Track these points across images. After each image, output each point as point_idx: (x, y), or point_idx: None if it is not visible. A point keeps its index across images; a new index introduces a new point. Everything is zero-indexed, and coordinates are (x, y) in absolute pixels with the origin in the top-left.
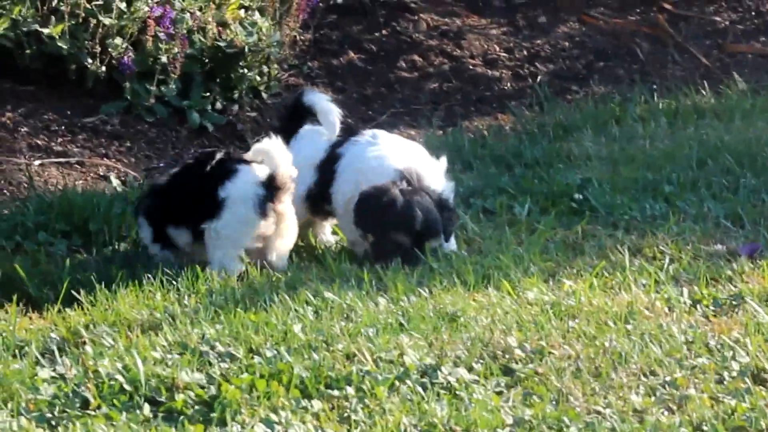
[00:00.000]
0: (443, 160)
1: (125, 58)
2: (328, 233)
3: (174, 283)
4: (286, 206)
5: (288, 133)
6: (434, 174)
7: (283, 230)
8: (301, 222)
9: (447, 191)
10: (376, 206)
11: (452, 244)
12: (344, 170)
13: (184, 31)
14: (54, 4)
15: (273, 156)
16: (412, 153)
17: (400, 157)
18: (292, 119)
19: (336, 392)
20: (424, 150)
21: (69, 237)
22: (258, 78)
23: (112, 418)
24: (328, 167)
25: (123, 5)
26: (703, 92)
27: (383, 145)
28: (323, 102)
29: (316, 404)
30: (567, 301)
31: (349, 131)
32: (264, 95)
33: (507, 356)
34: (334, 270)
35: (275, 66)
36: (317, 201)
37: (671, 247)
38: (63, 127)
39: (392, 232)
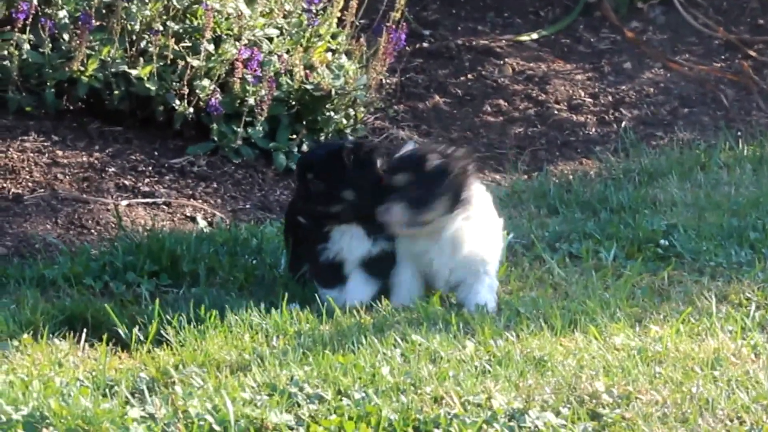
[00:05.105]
0: None
1: (213, 99)
2: None
3: (262, 324)
4: None
5: None
6: None
7: None
8: None
9: None
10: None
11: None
12: None
13: (272, 74)
14: (142, 45)
15: None
16: None
17: None
18: None
19: None
20: None
21: (157, 277)
22: (344, 121)
23: None
24: None
25: (211, 47)
26: None
27: None
28: None
29: None
30: (654, 347)
31: None
32: (350, 138)
33: (594, 401)
34: (422, 313)
35: (361, 109)
36: None
37: (757, 293)
38: (150, 168)
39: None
